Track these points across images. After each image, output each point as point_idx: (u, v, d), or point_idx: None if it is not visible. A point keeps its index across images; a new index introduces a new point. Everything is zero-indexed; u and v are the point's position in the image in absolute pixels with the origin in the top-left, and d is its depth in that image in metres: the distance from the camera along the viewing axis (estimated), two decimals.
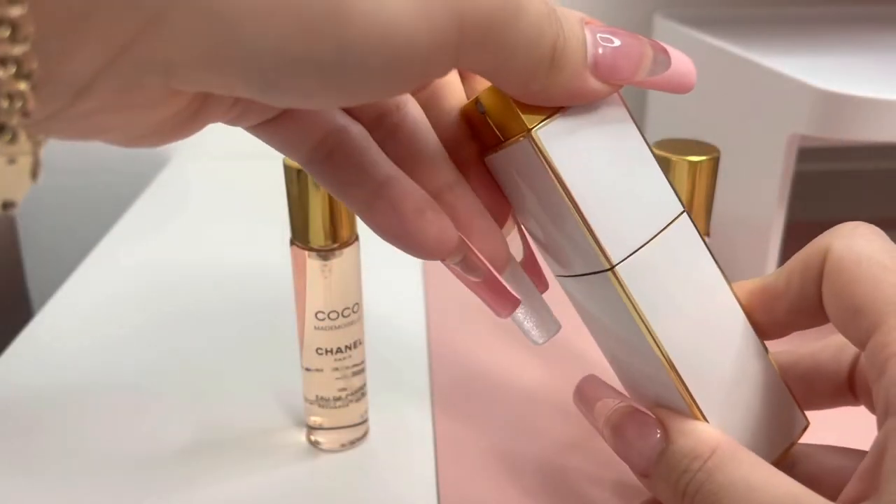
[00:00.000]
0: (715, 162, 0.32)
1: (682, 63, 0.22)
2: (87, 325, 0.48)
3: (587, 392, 0.27)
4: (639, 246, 0.22)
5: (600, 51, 0.20)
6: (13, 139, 0.14)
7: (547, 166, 0.21)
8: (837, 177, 0.70)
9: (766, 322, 0.25)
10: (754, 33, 0.55)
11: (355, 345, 0.35)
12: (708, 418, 0.24)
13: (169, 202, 0.68)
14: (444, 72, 0.19)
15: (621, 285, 0.22)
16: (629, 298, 0.22)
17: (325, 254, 0.33)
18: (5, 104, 0.14)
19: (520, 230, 0.26)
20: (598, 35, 0.20)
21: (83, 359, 0.44)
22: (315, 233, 0.32)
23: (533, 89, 0.20)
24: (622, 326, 0.23)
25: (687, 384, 0.23)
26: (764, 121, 0.45)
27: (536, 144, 0.21)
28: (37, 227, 0.78)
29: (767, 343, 0.26)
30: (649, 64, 0.21)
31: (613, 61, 0.21)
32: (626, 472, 0.35)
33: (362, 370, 0.36)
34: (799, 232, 0.55)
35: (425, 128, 0.23)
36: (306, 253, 0.33)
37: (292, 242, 0.33)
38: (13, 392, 0.41)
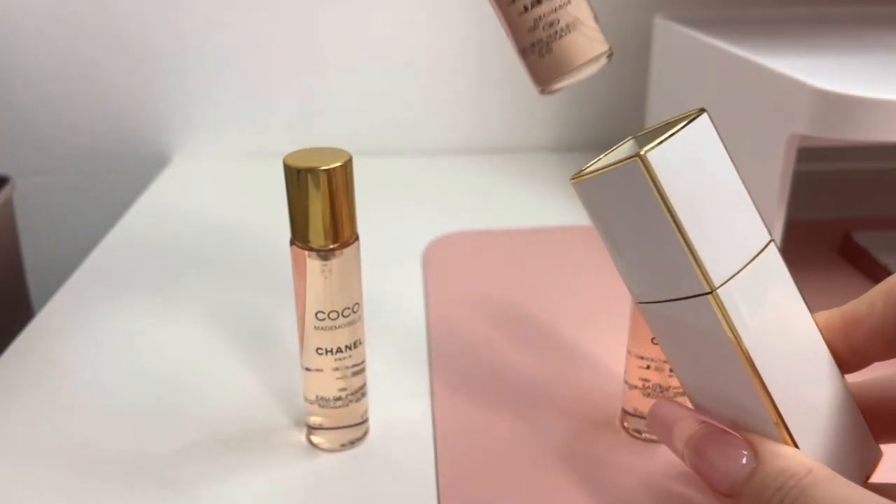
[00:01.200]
0: None
1: None
2: (87, 326, 0.48)
3: (663, 415, 0.27)
4: (736, 271, 0.23)
5: None
6: None
7: (655, 189, 0.22)
8: (836, 177, 0.70)
9: (845, 350, 0.25)
10: (754, 33, 0.55)
11: (355, 345, 0.35)
12: (798, 444, 0.24)
13: (169, 202, 0.68)
14: None
15: (721, 309, 0.23)
16: (727, 322, 0.23)
17: (325, 254, 0.33)
18: None
19: None
20: None
21: (83, 359, 0.44)
22: (315, 233, 0.32)
23: None
24: (715, 351, 0.24)
25: (779, 408, 0.23)
26: (764, 121, 0.45)
27: (647, 167, 0.22)
28: (37, 226, 0.78)
29: None
30: None
31: None
32: (626, 471, 0.35)
33: (362, 370, 0.36)
34: (799, 232, 0.55)
35: None
36: (306, 253, 0.33)
37: (292, 242, 0.33)
38: (13, 392, 0.41)
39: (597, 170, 0.23)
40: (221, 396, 0.41)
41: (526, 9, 0.24)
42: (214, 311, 0.49)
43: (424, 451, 0.37)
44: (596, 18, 0.25)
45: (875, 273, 0.53)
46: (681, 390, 0.36)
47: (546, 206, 0.66)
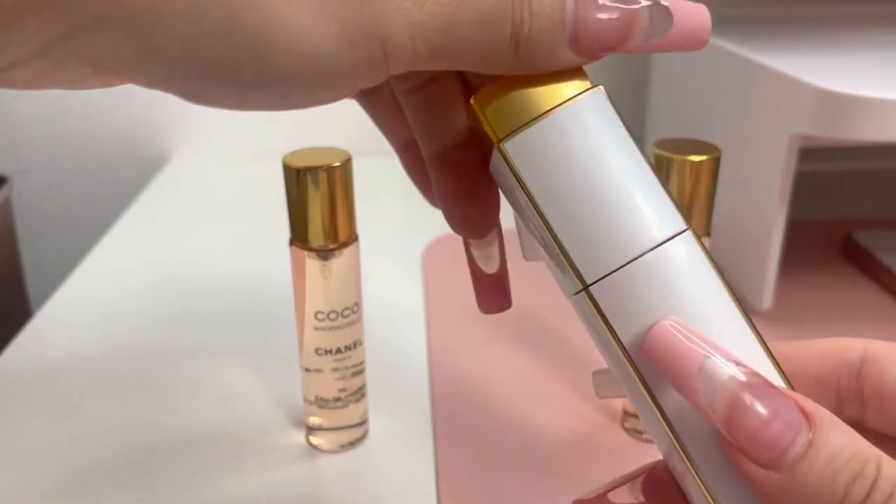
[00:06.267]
0: (716, 162, 0.32)
1: (688, 21, 0.20)
2: (85, 325, 0.48)
3: (674, 344, 0.20)
4: (619, 265, 0.20)
5: (582, 23, 0.19)
6: None
7: (515, 178, 0.20)
8: (837, 177, 0.70)
9: None
10: (754, 33, 0.55)
11: (355, 345, 0.35)
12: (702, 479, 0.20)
13: (168, 202, 0.68)
14: (378, 81, 0.20)
15: (595, 307, 0.20)
16: (605, 322, 0.20)
17: (324, 254, 0.33)
18: None
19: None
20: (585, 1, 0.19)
21: (82, 358, 0.44)
22: (315, 233, 0.32)
23: (502, 71, 0.20)
24: (609, 358, 0.21)
25: (674, 427, 0.20)
26: (765, 120, 0.45)
27: (504, 156, 0.20)
28: (36, 226, 0.78)
29: None
30: (643, 32, 0.20)
31: (597, 33, 0.19)
32: (627, 471, 0.35)
33: (362, 371, 0.36)
34: (800, 232, 0.55)
35: None
36: (306, 253, 0.33)
37: (292, 242, 0.33)
38: (12, 392, 0.41)
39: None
40: (221, 397, 0.41)
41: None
42: (213, 311, 0.49)
43: (424, 452, 0.37)
44: None
45: (876, 273, 0.53)
46: None
47: None
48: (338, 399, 0.35)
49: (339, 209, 0.32)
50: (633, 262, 0.20)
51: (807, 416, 0.18)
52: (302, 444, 0.37)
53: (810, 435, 0.18)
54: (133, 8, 0.17)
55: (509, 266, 0.27)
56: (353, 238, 0.33)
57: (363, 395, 0.37)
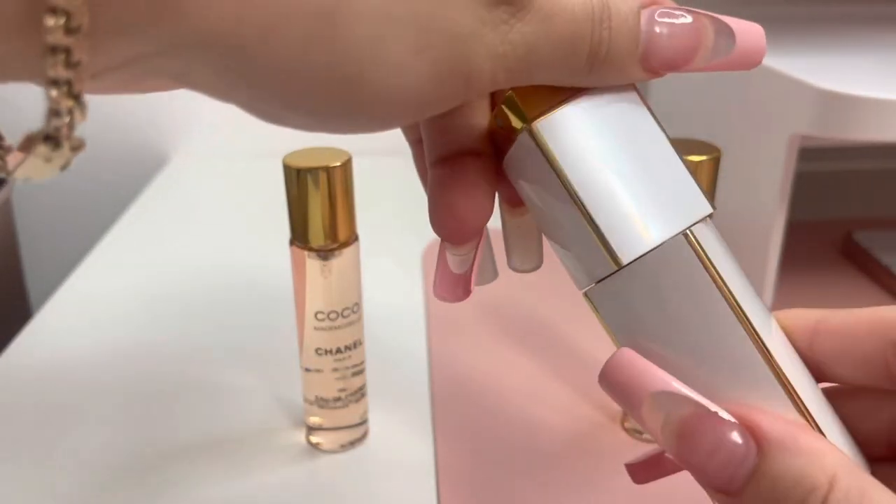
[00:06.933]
0: (716, 162, 0.32)
1: (747, 41, 0.20)
2: (85, 325, 0.48)
3: (626, 376, 0.20)
4: (651, 248, 0.20)
5: (653, 43, 0.20)
6: (57, 146, 0.16)
7: (546, 160, 0.21)
8: (837, 177, 0.70)
9: (804, 355, 0.22)
10: None
11: (355, 345, 0.35)
12: (819, 423, 0.20)
13: (168, 202, 0.68)
14: (459, 103, 0.20)
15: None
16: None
17: (324, 254, 0.33)
18: (53, 93, 0.16)
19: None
20: (657, 19, 0.20)
21: (82, 359, 0.44)
22: (315, 233, 0.32)
23: (570, 85, 0.20)
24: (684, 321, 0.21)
25: (784, 371, 0.20)
26: (765, 121, 0.45)
27: (536, 137, 0.20)
28: (36, 226, 0.78)
29: None
30: (707, 53, 0.20)
31: (667, 52, 0.20)
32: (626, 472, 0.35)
33: (362, 371, 0.36)
34: (800, 232, 0.55)
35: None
36: (306, 253, 0.33)
37: (292, 242, 0.33)
38: (12, 392, 0.41)
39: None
40: (221, 397, 0.41)
41: None
42: (214, 311, 0.49)
43: (424, 452, 0.37)
44: None
45: (876, 273, 0.53)
46: None
47: None
48: (338, 399, 0.35)
49: (339, 209, 0.32)
50: (661, 247, 0.20)
51: (759, 439, 0.18)
52: (302, 444, 0.37)
53: (756, 461, 0.18)
54: (238, 41, 0.16)
55: (500, 269, 0.27)
56: (353, 238, 0.33)
57: (363, 395, 0.37)
